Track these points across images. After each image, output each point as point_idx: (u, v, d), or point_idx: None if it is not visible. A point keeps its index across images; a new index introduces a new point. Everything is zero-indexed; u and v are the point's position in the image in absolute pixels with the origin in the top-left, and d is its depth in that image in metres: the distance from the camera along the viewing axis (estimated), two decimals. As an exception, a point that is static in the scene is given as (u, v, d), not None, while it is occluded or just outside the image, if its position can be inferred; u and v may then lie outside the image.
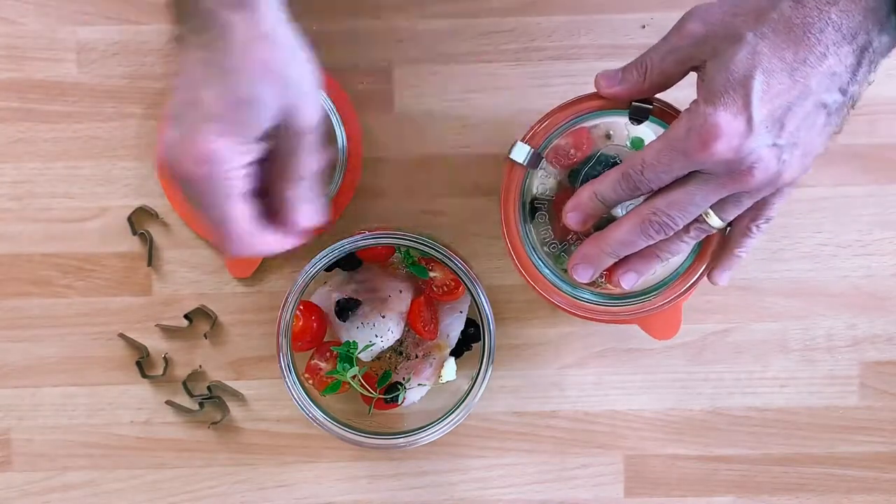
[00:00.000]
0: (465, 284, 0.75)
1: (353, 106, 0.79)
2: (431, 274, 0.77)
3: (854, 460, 0.83)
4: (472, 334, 0.79)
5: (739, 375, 0.82)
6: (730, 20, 0.62)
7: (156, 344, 0.82)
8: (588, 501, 0.83)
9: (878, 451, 0.83)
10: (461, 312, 0.78)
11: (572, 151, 0.73)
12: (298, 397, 0.75)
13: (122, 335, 0.81)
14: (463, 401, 0.76)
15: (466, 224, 0.81)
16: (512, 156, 0.71)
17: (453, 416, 0.76)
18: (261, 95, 0.60)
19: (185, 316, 0.81)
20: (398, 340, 0.77)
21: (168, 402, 0.81)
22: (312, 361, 0.77)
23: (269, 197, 0.65)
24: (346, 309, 0.76)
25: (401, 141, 0.81)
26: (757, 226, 0.67)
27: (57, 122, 0.80)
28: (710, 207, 0.64)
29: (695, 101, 0.62)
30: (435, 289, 0.77)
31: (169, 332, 0.81)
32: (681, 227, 0.65)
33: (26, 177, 0.81)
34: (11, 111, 0.80)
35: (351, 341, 0.75)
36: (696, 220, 0.65)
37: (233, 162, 0.61)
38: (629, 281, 0.69)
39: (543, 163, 0.72)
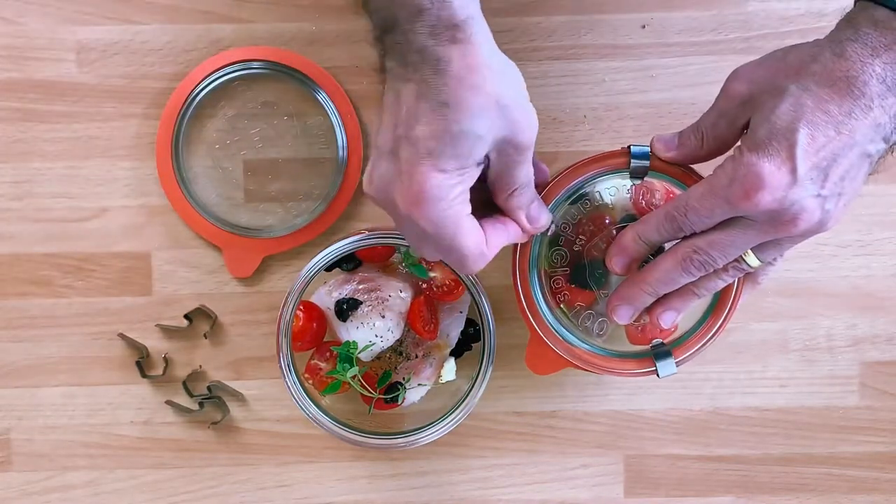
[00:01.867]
0: (465, 284, 0.75)
1: (353, 106, 0.79)
2: (431, 274, 0.77)
3: (854, 460, 0.83)
4: (472, 334, 0.79)
5: (739, 375, 0.82)
6: (772, 76, 0.63)
7: (156, 344, 0.82)
8: (588, 501, 0.83)
9: (878, 451, 0.83)
10: (461, 312, 0.78)
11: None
12: (298, 397, 0.75)
13: (122, 335, 0.81)
14: (463, 401, 0.76)
15: (466, 224, 0.81)
16: None
17: (453, 416, 0.76)
18: (478, 129, 0.60)
19: (185, 316, 0.81)
20: (398, 340, 0.77)
21: (168, 402, 0.81)
22: (312, 361, 0.77)
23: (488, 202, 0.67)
24: (346, 309, 0.76)
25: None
26: (778, 258, 0.69)
27: (57, 122, 0.80)
28: (751, 248, 0.66)
29: (738, 148, 0.63)
30: (435, 289, 0.77)
31: (169, 332, 0.81)
32: (720, 266, 0.66)
33: (26, 177, 0.81)
34: (11, 111, 0.80)
35: (351, 341, 0.75)
36: (734, 260, 0.66)
37: (451, 194, 0.61)
38: (668, 319, 0.71)
39: (552, 228, 0.74)
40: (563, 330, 0.76)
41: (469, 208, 0.63)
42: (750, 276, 0.71)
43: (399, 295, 0.76)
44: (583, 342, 0.76)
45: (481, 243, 0.64)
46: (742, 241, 0.64)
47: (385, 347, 0.76)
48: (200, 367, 0.82)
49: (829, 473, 0.83)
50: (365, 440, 0.75)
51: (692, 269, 0.66)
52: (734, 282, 0.74)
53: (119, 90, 0.80)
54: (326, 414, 0.76)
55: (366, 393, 0.77)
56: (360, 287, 0.77)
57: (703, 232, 0.65)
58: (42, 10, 0.80)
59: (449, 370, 0.78)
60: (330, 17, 0.80)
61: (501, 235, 0.67)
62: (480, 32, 0.61)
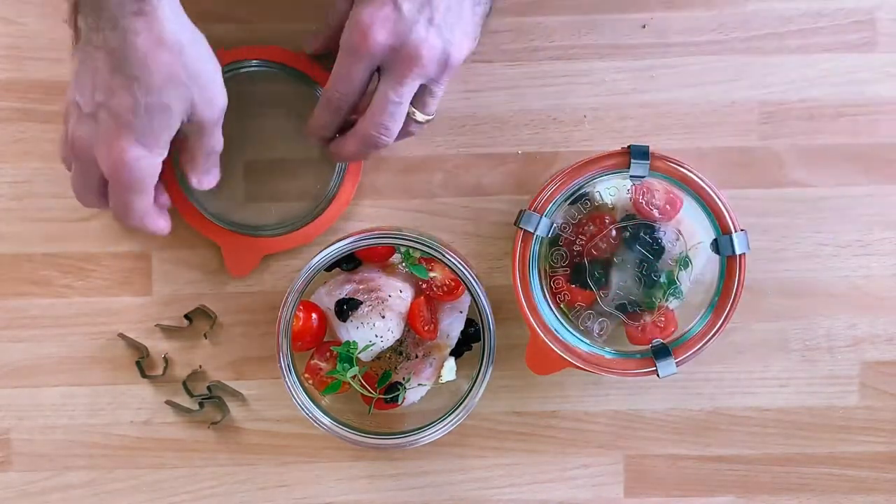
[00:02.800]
0: (465, 284, 0.75)
1: None
2: (431, 274, 0.77)
3: (854, 460, 0.83)
4: (472, 334, 0.79)
5: (739, 375, 0.82)
6: None
7: (156, 344, 0.82)
8: (588, 501, 0.83)
9: (878, 451, 0.83)
10: (461, 312, 0.78)
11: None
12: (298, 397, 0.75)
13: (122, 335, 0.81)
14: (463, 401, 0.76)
15: (466, 224, 0.81)
16: (521, 225, 0.74)
17: (453, 416, 0.76)
18: (168, 103, 0.66)
19: (185, 316, 0.81)
20: (398, 340, 0.77)
21: (168, 402, 0.81)
22: (312, 361, 0.77)
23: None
24: (346, 309, 0.76)
25: (401, 141, 0.81)
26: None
27: (57, 122, 0.80)
28: (414, 106, 0.71)
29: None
30: (435, 289, 0.77)
31: (169, 332, 0.81)
32: (395, 130, 0.71)
33: (26, 177, 0.81)
34: (11, 111, 0.80)
35: (351, 341, 0.75)
36: (405, 121, 0.71)
37: (147, 169, 0.68)
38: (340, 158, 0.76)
39: (553, 230, 0.74)
40: (563, 330, 0.76)
41: (156, 179, 0.70)
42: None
43: (399, 295, 0.76)
44: (583, 342, 0.76)
45: (149, 211, 0.71)
46: (394, 94, 0.69)
47: (385, 347, 0.76)
48: (200, 367, 0.82)
49: (829, 473, 0.83)
50: (365, 440, 0.75)
51: (377, 141, 0.71)
52: (736, 283, 0.74)
53: (119, 90, 0.80)
54: (327, 414, 0.76)
55: (366, 393, 0.77)
56: (360, 287, 0.77)
57: (365, 112, 0.70)
58: (42, 10, 0.80)
59: (449, 370, 0.78)
60: (330, 17, 0.80)
61: (163, 219, 0.74)
62: (168, 5, 0.64)
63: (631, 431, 0.82)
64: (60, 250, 0.81)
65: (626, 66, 0.80)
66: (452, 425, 0.76)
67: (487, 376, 0.75)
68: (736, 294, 0.75)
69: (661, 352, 0.75)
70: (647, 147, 0.73)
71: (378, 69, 0.69)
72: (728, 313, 0.75)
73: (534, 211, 0.74)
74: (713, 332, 0.75)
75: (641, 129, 0.81)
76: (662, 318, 0.76)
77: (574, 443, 0.82)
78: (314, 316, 0.77)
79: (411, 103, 0.70)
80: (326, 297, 0.77)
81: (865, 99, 0.81)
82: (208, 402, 0.81)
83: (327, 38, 0.75)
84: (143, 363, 0.81)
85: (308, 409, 0.75)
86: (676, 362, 0.75)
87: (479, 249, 0.81)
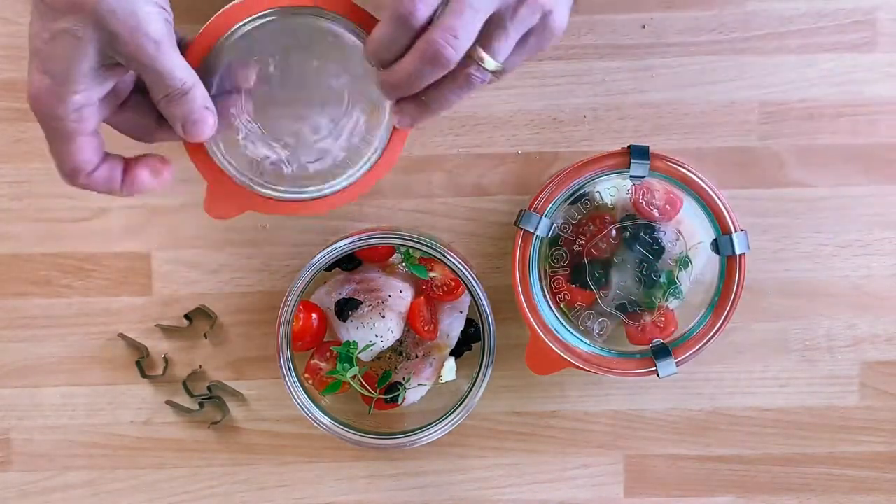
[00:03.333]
0: (465, 284, 0.75)
1: None
2: (431, 274, 0.77)
3: (854, 460, 0.83)
4: (472, 334, 0.79)
5: (739, 375, 0.82)
6: None
7: (156, 344, 0.82)
8: (588, 501, 0.83)
9: (878, 451, 0.83)
10: (461, 312, 0.78)
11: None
12: (298, 397, 0.75)
13: (122, 335, 0.81)
14: (463, 401, 0.76)
15: (466, 224, 0.81)
16: (521, 225, 0.74)
17: (453, 416, 0.76)
18: (71, 28, 0.59)
19: (185, 316, 0.81)
20: (398, 340, 0.77)
21: (168, 402, 0.81)
22: (312, 361, 0.77)
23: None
24: (346, 309, 0.76)
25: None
26: (524, 49, 0.63)
27: (57, 122, 0.80)
28: (480, 45, 0.61)
29: None
30: (435, 289, 0.77)
31: (169, 332, 0.81)
32: (464, 47, 0.60)
33: (26, 177, 0.81)
34: (11, 111, 0.80)
35: (351, 341, 0.75)
36: (468, 64, 0.61)
37: (66, 102, 0.60)
38: (403, 123, 0.66)
39: (553, 230, 0.74)
40: (563, 330, 0.76)
41: (93, 125, 0.62)
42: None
43: (399, 295, 0.76)
44: (583, 342, 0.76)
45: (87, 168, 0.63)
46: (459, 17, 0.59)
47: (385, 347, 0.76)
48: (200, 367, 0.82)
49: (829, 473, 0.83)
50: (365, 440, 0.75)
51: (435, 61, 0.60)
52: (736, 283, 0.74)
53: (119, 90, 0.80)
54: (327, 414, 0.76)
55: (366, 393, 0.77)
56: (360, 287, 0.77)
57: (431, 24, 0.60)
58: (42, 10, 0.80)
59: (449, 370, 0.78)
60: (330, 17, 0.80)
61: (111, 174, 0.65)
62: None
63: (631, 431, 0.82)
64: (60, 250, 0.81)
65: (626, 66, 0.80)
66: (452, 425, 0.76)
67: (487, 376, 0.75)
68: (736, 294, 0.75)
69: (661, 352, 0.75)
70: (647, 147, 0.73)
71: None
72: (728, 313, 0.75)
73: (534, 211, 0.74)
74: (713, 332, 0.75)
75: (641, 129, 0.81)
76: (662, 318, 0.76)
77: (574, 443, 0.82)
78: (314, 316, 0.77)
79: (480, 44, 0.61)
80: (326, 297, 0.77)
81: (865, 99, 0.81)
82: (208, 402, 0.81)
83: None
84: (143, 363, 0.81)
85: (308, 409, 0.75)
86: (676, 362, 0.75)
87: (479, 249, 0.81)
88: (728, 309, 0.75)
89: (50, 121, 0.61)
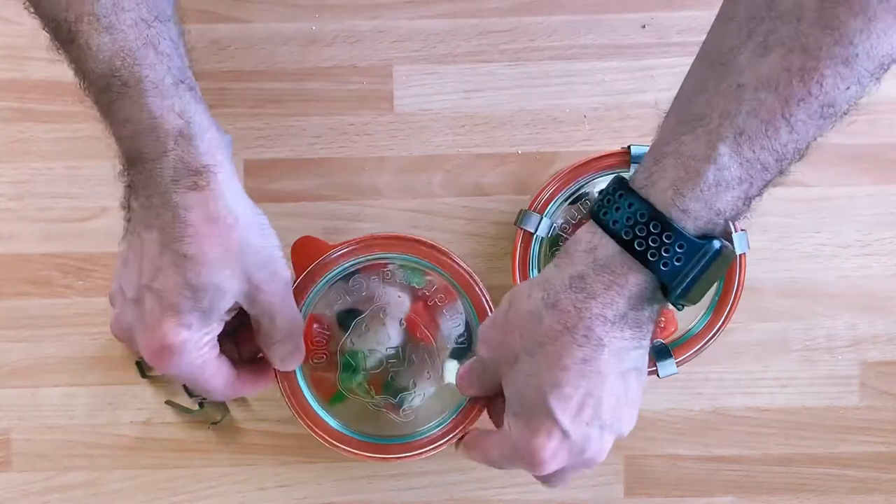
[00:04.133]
0: (465, 286, 0.74)
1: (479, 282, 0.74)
2: (428, 279, 0.77)
3: (854, 460, 0.83)
4: (472, 336, 0.79)
5: (739, 375, 0.82)
6: (502, 340, 0.63)
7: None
8: (588, 501, 0.83)
9: (879, 452, 0.83)
10: (461, 314, 0.78)
11: None
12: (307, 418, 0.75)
13: None
14: (464, 403, 0.76)
15: (466, 224, 0.81)
16: (521, 225, 0.74)
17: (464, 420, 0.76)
18: (220, 283, 0.60)
19: (185, 316, 0.81)
20: (399, 346, 0.77)
21: (168, 402, 0.81)
22: (316, 373, 0.77)
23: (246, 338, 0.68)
24: (346, 319, 0.76)
25: (401, 141, 0.81)
26: None
27: (57, 122, 0.80)
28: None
29: (507, 417, 0.64)
30: (433, 293, 0.77)
31: (169, 332, 0.81)
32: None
33: (26, 177, 0.81)
34: (11, 111, 0.80)
35: (353, 350, 0.75)
36: None
37: (197, 348, 0.62)
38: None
39: (553, 230, 0.74)
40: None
41: (216, 351, 0.64)
42: None
43: (398, 300, 0.76)
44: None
45: (229, 382, 0.65)
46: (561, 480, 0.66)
47: (387, 354, 0.76)
48: (200, 367, 0.82)
49: (829, 473, 0.83)
50: (385, 457, 0.75)
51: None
52: (736, 283, 0.74)
53: (119, 90, 0.80)
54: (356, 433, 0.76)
55: (370, 399, 0.77)
56: (359, 296, 0.77)
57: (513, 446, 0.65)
58: (42, 10, 0.80)
59: (452, 372, 0.78)
60: (330, 17, 0.80)
61: (254, 382, 0.69)
62: (226, 181, 0.60)
63: (631, 431, 0.82)
64: (60, 250, 0.81)
65: (626, 66, 0.80)
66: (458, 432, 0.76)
67: None
68: (736, 294, 0.75)
69: (661, 352, 0.75)
70: (648, 147, 0.73)
71: None
72: (728, 313, 0.75)
73: (534, 211, 0.74)
74: (713, 332, 0.75)
75: (641, 129, 0.81)
76: (662, 318, 0.76)
77: (574, 443, 0.82)
78: (315, 326, 0.77)
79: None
80: (326, 308, 0.77)
81: (865, 99, 0.81)
82: (208, 402, 0.81)
83: (480, 392, 0.69)
84: (143, 363, 0.81)
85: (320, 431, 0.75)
86: (676, 362, 0.75)
87: (479, 249, 0.81)
88: (728, 309, 0.75)
89: (187, 367, 0.62)
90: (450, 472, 0.82)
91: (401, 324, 0.76)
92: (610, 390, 0.61)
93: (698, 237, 0.57)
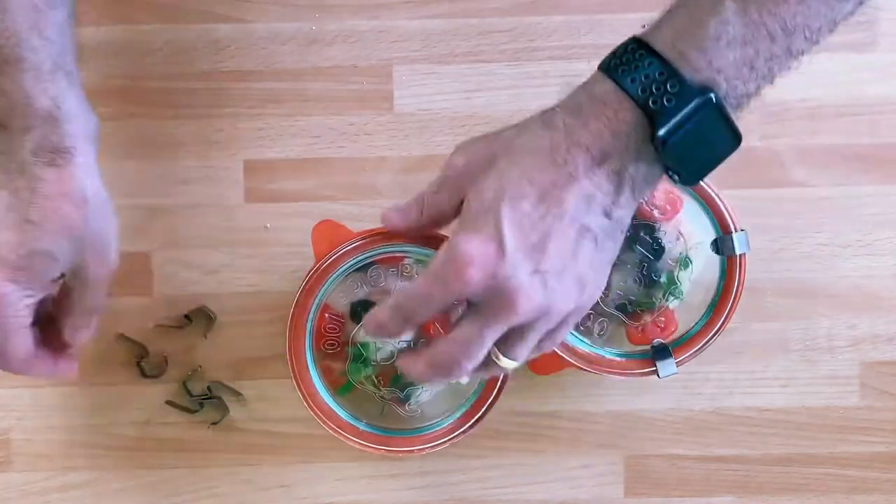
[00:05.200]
0: None
1: None
2: None
3: (854, 460, 0.83)
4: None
5: (739, 375, 0.82)
6: (487, 150, 0.62)
7: (156, 344, 0.82)
8: (588, 501, 0.83)
9: (879, 452, 0.83)
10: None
11: None
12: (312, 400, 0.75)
13: (121, 335, 0.81)
14: (481, 398, 0.76)
15: (466, 224, 0.81)
16: None
17: (475, 414, 0.76)
18: (56, 251, 0.63)
19: (185, 316, 0.81)
20: (411, 341, 0.77)
21: (168, 402, 0.81)
22: (325, 362, 0.77)
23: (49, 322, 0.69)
24: (359, 311, 0.76)
25: (401, 141, 0.81)
26: (539, 348, 0.64)
27: (57, 122, 0.80)
28: (497, 347, 0.62)
29: (456, 228, 0.62)
30: None
31: (169, 331, 0.81)
32: (467, 368, 0.62)
33: (26, 177, 0.81)
34: (11, 111, 0.80)
35: (364, 342, 0.76)
36: (485, 361, 0.62)
37: (18, 305, 0.64)
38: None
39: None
40: (564, 330, 0.76)
41: (30, 319, 0.66)
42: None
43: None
44: (583, 342, 0.76)
45: (28, 354, 0.67)
46: (476, 334, 0.60)
47: (398, 348, 0.76)
48: (200, 367, 0.82)
49: (829, 473, 0.83)
50: (391, 450, 0.76)
51: (447, 374, 0.62)
52: (736, 283, 0.74)
53: (119, 90, 0.80)
54: (358, 420, 0.76)
55: (378, 393, 0.77)
56: (374, 289, 0.77)
57: (447, 331, 0.63)
58: (42, 10, 0.80)
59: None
60: (330, 17, 0.80)
61: (50, 359, 0.69)
62: (83, 164, 0.64)
63: (631, 431, 0.82)
64: (60, 250, 0.81)
65: (626, 66, 0.80)
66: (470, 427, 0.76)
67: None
68: (736, 294, 0.75)
69: (661, 352, 0.75)
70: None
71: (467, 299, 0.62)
72: (728, 313, 0.75)
73: None
74: (713, 332, 0.75)
75: (641, 129, 0.80)
76: (662, 318, 0.76)
77: (574, 443, 0.82)
78: (327, 316, 0.77)
79: (498, 345, 0.62)
80: (340, 299, 0.77)
81: (866, 99, 0.81)
82: (208, 402, 0.81)
83: (414, 225, 0.66)
84: (144, 365, 0.81)
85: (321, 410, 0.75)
86: (676, 362, 0.75)
87: (479, 249, 0.81)
88: (728, 309, 0.75)
89: (5, 320, 0.64)
90: (450, 472, 0.82)
91: None
92: (561, 234, 0.59)
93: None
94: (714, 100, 0.58)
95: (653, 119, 0.58)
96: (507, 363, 0.63)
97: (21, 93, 0.62)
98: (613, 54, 0.60)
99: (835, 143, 0.81)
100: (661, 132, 0.57)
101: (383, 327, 0.63)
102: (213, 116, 0.81)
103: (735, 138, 0.60)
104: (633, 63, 0.58)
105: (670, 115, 0.57)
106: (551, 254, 0.59)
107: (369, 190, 0.81)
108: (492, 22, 0.80)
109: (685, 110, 0.57)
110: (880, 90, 0.81)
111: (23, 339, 0.66)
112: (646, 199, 0.62)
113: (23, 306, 0.65)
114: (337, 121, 0.81)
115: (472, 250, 0.58)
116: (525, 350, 0.62)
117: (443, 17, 0.80)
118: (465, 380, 0.76)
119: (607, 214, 0.60)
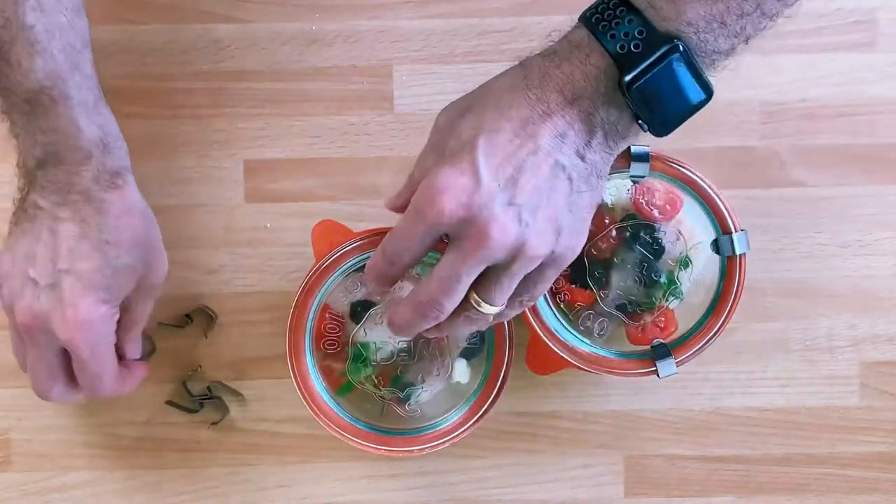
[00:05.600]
0: None
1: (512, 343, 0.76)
2: None
3: (854, 460, 0.83)
4: (483, 334, 0.79)
5: (739, 375, 0.82)
6: (463, 99, 0.64)
7: (156, 344, 0.81)
8: (588, 501, 0.83)
9: (879, 451, 0.83)
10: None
11: None
12: (313, 404, 0.75)
13: (160, 324, 0.80)
14: (473, 399, 0.76)
15: (466, 224, 0.81)
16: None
17: (466, 415, 0.76)
18: (133, 264, 0.69)
19: (186, 316, 0.81)
20: (411, 341, 0.77)
21: (168, 402, 0.81)
22: (325, 362, 0.77)
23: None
24: (360, 310, 0.76)
25: (401, 141, 0.81)
26: (520, 302, 0.65)
27: (57, 122, 0.80)
28: (476, 292, 0.63)
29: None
30: None
31: (169, 331, 0.81)
32: (448, 308, 0.63)
33: (26, 177, 0.81)
34: (11, 111, 0.80)
35: (364, 342, 0.76)
36: (465, 305, 0.63)
37: (110, 325, 0.70)
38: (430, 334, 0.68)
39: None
40: (563, 330, 0.76)
41: (114, 339, 0.71)
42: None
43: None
44: (583, 342, 0.76)
45: (117, 373, 0.72)
46: (452, 270, 0.61)
47: (398, 348, 0.77)
48: (200, 367, 0.82)
49: (829, 473, 0.83)
50: (390, 450, 0.76)
51: (424, 311, 0.63)
52: (736, 283, 0.74)
53: (119, 90, 0.80)
54: (358, 421, 0.76)
55: (378, 393, 0.77)
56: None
57: (421, 283, 0.63)
58: (42, 10, 0.80)
59: (461, 372, 0.78)
60: (330, 17, 0.80)
61: (123, 377, 0.74)
62: (132, 181, 0.69)
63: (631, 431, 0.82)
64: (60, 250, 0.81)
65: (626, 66, 0.80)
66: (469, 426, 0.76)
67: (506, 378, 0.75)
68: (736, 294, 0.75)
69: (661, 352, 0.75)
70: (648, 147, 0.73)
71: (446, 235, 0.62)
72: (728, 313, 0.75)
73: None
74: (713, 332, 0.75)
75: (641, 129, 0.80)
76: (662, 318, 0.76)
77: (574, 443, 0.82)
78: (327, 316, 0.77)
79: (476, 290, 0.63)
80: (340, 298, 0.77)
81: (865, 99, 0.81)
82: (208, 402, 0.81)
83: (410, 197, 0.65)
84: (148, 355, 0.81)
85: (320, 410, 0.75)
86: (676, 362, 0.75)
87: (479, 249, 0.81)
88: (728, 309, 0.75)
89: (103, 341, 0.70)
90: (450, 472, 0.82)
91: None
92: (535, 170, 0.60)
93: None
94: (682, 48, 0.59)
95: (621, 64, 0.60)
96: (487, 308, 0.63)
97: (73, 127, 0.66)
98: (594, 6, 0.62)
99: (834, 143, 0.81)
100: (627, 77, 0.59)
101: (375, 269, 0.65)
102: (213, 116, 0.81)
103: (705, 90, 0.61)
104: (608, 12, 0.61)
105: (637, 62, 0.59)
106: (526, 187, 0.60)
107: (369, 190, 0.81)
108: (492, 22, 0.80)
109: (652, 57, 0.59)
110: (880, 90, 0.81)
111: (114, 359, 0.71)
112: (621, 148, 0.64)
113: (112, 325, 0.70)
114: (337, 121, 0.81)
115: (445, 180, 0.60)
116: (502, 294, 0.63)
117: (443, 17, 0.80)
118: (465, 379, 0.76)
119: (580, 156, 0.61)
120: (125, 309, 0.71)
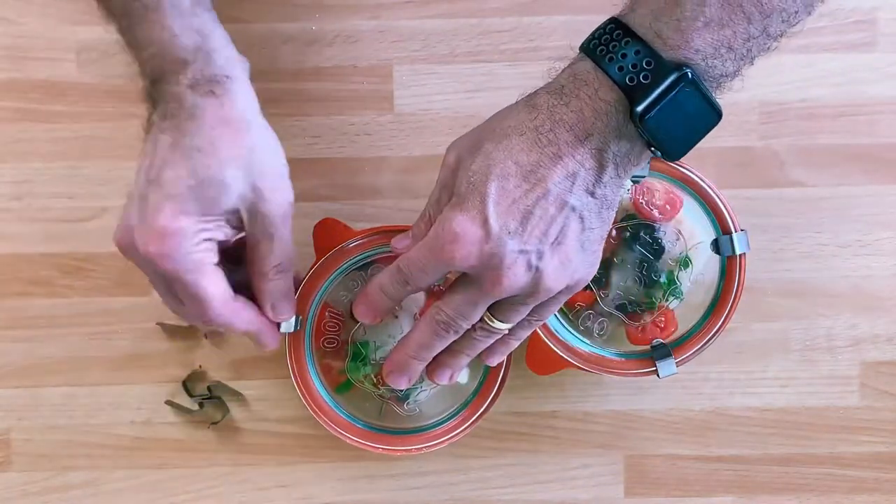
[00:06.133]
0: None
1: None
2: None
3: (854, 460, 0.83)
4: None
5: (739, 375, 0.82)
6: (476, 138, 0.63)
7: (156, 344, 0.81)
8: (588, 501, 0.83)
9: (879, 451, 0.83)
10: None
11: None
12: (312, 403, 0.75)
13: (161, 323, 0.80)
14: (472, 400, 0.76)
15: (466, 224, 0.81)
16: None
17: (465, 415, 0.76)
18: (224, 177, 0.61)
19: (185, 316, 0.81)
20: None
21: (168, 402, 0.81)
22: (325, 360, 0.77)
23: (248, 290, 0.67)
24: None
25: (401, 141, 0.81)
26: (529, 322, 0.66)
27: (57, 122, 0.80)
28: (491, 312, 0.64)
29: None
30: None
31: (169, 331, 0.81)
32: (465, 327, 0.65)
33: (26, 177, 0.81)
34: (11, 111, 0.80)
35: (364, 341, 0.76)
36: (481, 322, 0.65)
37: (195, 238, 0.62)
38: (443, 377, 0.70)
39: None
40: (563, 330, 0.76)
41: (216, 258, 0.63)
42: (508, 336, 0.68)
43: (413, 296, 0.76)
44: (583, 342, 0.76)
45: (227, 296, 0.64)
46: (468, 300, 0.63)
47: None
48: (200, 367, 0.82)
49: (829, 473, 0.83)
50: (389, 448, 0.76)
51: (441, 332, 0.65)
52: (736, 283, 0.74)
53: (119, 90, 0.80)
54: (356, 420, 0.76)
55: (377, 392, 0.77)
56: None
57: (446, 293, 0.65)
58: (42, 10, 0.80)
59: (462, 372, 0.78)
60: (330, 17, 0.80)
61: (251, 311, 0.67)
62: (241, 91, 0.63)
63: (631, 431, 0.82)
64: (60, 250, 0.81)
65: (626, 66, 0.80)
66: (469, 426, 0.76)
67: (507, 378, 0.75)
68: (736, 294, 0.75)
69: (661, 352, 0.75)
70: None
71: None
72: (728, 313, 0.75)
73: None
74: (713, 332, 0.75)
75: (641, 129, 0.81)
76: (662, 318, 0.76)
77: (574, 443, 0.82)
78: (327, 314, 0.77)
79: (490, 309, 0.64)
80: (341, 297, 0.77)
81: (865, 99, 0.81)
82: (208, 402, 0.81)
83: (422, 237, 0.65)
84: (165, 324, 0.80)
85: (320, 410, 0.75)
86: (676, 362, 0.75)
87: (479, 249, 0.81)
88: (728, 309, 0.75)
89: (186, 259, 0.62)
90: (450, 472, 0.82)
91: (415, 318, 0.76)
92: (545, 212, 0.60)
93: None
94: (690, 76, 0.59)
95: (631, 96, 0.59)
96: (500, 325, 0.65)
97: (168, 34, 0.61)
98: (593, 35, 0.61)
99: (834, 143, 0.81)
100: (639, 108, 0.59)
101: (387, 291, 0.66)
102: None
103: (714, 113, 0.61)
104: (611, 43, 0.60)
105: (647, 92, 0.59)
106: (535, 233, 0.61)
107: (369, 190, 0.81)
108: (492, 22, 0.81)
109: (661, 87, 0.59)
110: (880, 90, 0.81)
111: (216, 279, 0.63)
112: (632, 174, 0.63)
113: (200, 240, 0.62)
114: (337, 121, 0.81)
115: (456, 228, 0.60)
116: (516, 317, 0.65)
117: (443, 17, 0.80)
118: (464, 379, 0.76)
119: (591, 193, 0.61)
120: (252, 246, 0.65)
